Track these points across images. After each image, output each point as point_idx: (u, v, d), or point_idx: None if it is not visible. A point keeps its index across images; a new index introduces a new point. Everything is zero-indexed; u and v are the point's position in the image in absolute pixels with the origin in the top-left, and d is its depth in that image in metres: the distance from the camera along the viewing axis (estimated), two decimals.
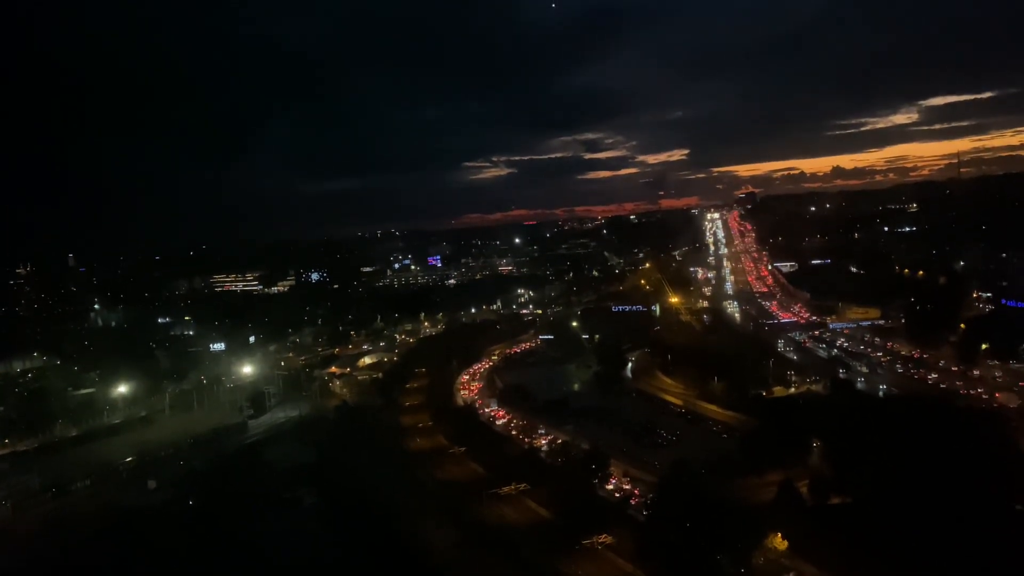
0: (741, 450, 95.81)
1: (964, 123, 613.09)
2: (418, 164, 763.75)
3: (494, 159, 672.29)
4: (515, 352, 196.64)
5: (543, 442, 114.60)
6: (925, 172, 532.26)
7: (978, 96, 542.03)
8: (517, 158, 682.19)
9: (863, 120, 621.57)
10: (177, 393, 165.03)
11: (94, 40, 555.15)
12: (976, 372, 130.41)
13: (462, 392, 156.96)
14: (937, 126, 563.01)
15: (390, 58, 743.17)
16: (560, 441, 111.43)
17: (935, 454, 73.63)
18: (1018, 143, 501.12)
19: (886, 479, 74.60)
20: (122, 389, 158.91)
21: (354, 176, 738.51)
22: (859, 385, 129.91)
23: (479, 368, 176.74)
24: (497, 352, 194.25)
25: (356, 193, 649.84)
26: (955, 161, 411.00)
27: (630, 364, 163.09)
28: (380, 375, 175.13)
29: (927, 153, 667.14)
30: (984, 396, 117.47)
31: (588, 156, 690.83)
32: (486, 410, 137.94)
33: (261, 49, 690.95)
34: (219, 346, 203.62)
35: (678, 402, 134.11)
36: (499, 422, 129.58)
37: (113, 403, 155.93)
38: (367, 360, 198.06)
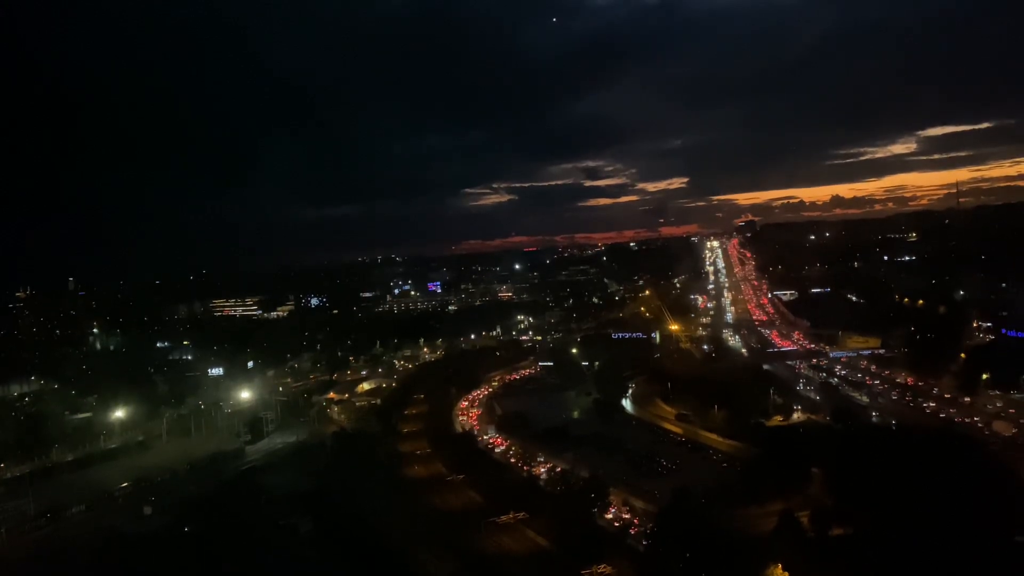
0: (742, 479, 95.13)
1: (962, 153, 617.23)
2: (419, 190, 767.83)
3: (495, 186, 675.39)
4: (515, 379, 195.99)
5: (542, 470, 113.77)
6: (924, 202, 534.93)
7: (976, 127, 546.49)
8: (517, 185, 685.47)
9: (862, 150, 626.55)
10: (175, 418, 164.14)
11: (97, 67, 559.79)
12: (977, 402, 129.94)
13: (461, 419, 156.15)
14: (936, 156, 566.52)
15: (391, 86, 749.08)
16: (559, 469, 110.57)
17: (937, 485, 73.11)
18: (1016, 173, 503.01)
19: (888, 510, 73.98)
20: (119, 413, 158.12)
21: (355, 202, 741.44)
22: (860, 414, 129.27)
23: (478, 395, 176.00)
24: (496, 378, 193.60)
25: (357, 219, 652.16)
26: (954, 191, 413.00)
27: (630, 392, 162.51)
28: (378, 401, 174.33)
29: (926, 183, 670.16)
30: (984, 426, 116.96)
31: (588, 183, 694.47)
32: (485, 437, 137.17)
33: (263, 77, 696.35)
34: (217, 371, 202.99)
35: (678, 430, 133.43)
36: (498, 449, 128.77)
37: (110, 428, 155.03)
38: (366, 386, 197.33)
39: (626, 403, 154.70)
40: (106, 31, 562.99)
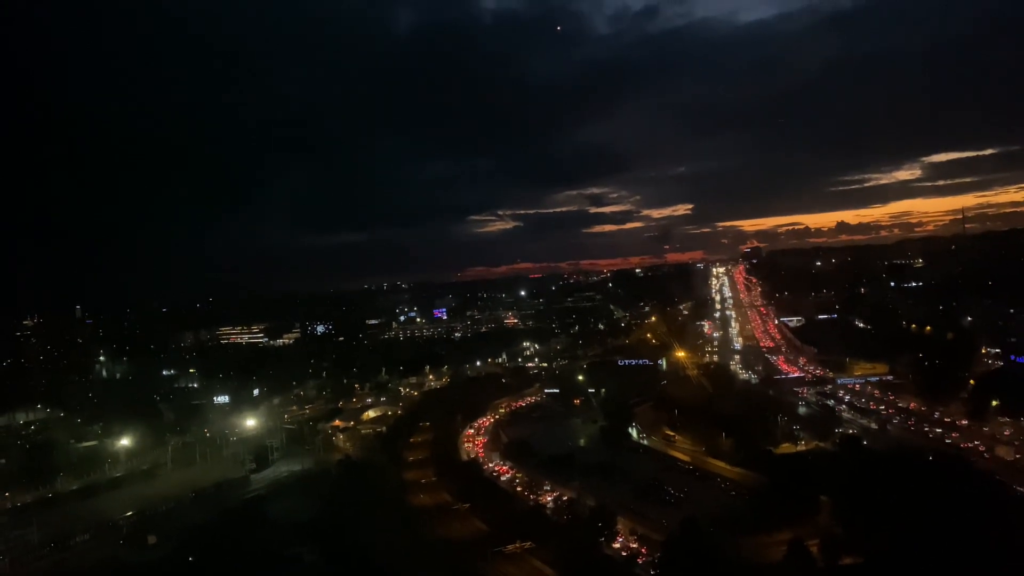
0: (750, 508, 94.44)
1: (967, 179, 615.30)
2: (424, 217, 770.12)
3: (499, 213, 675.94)
4: (520, 406, 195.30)
5: (548, 499, 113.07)
6: (930, 227, 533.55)
7: (980, 153, 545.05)
8: (523, 212, 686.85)
9: (866, 176, 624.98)
10: (180, 446, 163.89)
11: (104, 95, 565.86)
12: (987, 429, 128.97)
13: (466, 446, 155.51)
14: (940, 182, 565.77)
15: (396, 114, 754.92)
16: (566, 498, 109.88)
17: (947, 513, 72.44)
18: (1022, 199, 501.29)
19: (898, 539, 73.24)
20: (125, 442, 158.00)
21: (360, 229, 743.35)
22: (868, 442, 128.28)
23: (484, 422, 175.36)
24: (502, 406, 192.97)
25: (362, 246, 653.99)
26: (959, 217, 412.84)
27: (636, 419, 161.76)
28: (384, 429, 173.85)
29: (931, 209, 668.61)
30: (995, 454, 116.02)
31: (593, 210, 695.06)
32: (490, 465, 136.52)
33: (269, 104, 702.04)
34: (223, 399, 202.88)
35: (685, 458, 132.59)
36: (504, 478, 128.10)
37: (115, 456, 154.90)
38: (371, 413, 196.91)
39: (632, 430, 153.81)
40: (113, 59, 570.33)
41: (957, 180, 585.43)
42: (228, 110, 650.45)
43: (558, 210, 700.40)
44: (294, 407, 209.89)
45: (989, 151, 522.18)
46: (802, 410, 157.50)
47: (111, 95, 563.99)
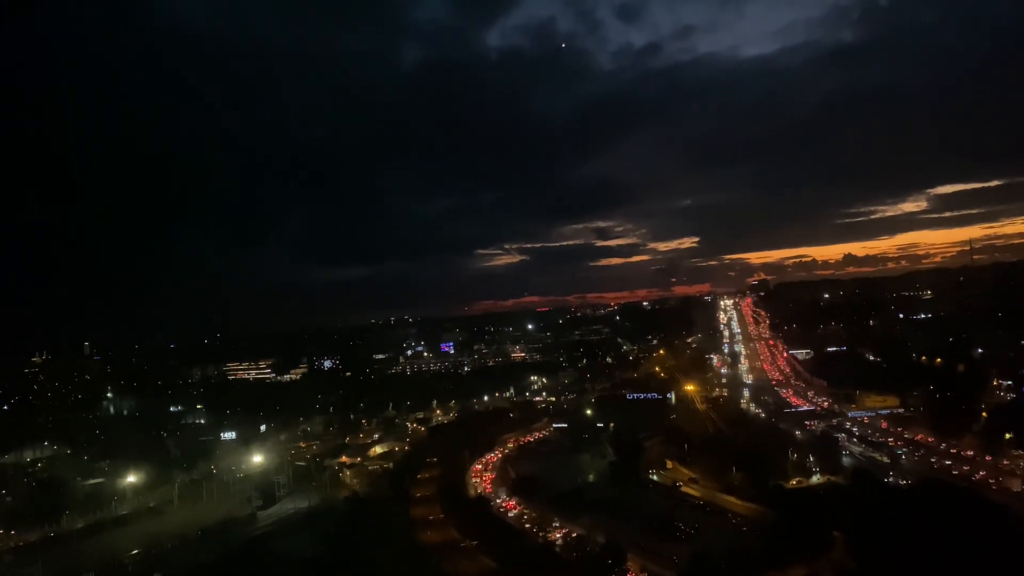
0: (762, 543, 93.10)
1: (974, 210, 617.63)
2: (431, 252, 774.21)
3: (507, 246, 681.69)
4: (529, 441, 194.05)
5: (558, 535, 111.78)
6: (937, 259, 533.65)
7: (986, 184, 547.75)
8: (529, 245, 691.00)
9: (873, 208, 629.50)
10: (186, 483, 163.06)
11: (114, 133, 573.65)
12: (1001, 462, 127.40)
13: (474, 482, 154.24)
14: (947, 214, 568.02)
15: (404, 150, 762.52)
16: (575, 534, 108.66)
17: (963, 548, 71.35)
18: None
19: (913, 574, 72.08)
20: (131, 479, 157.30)
21: (368, 264, 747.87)
22: (881, 475, 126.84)
23: (492, 458, 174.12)
24: (510, 441, 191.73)
25: (370, 281, 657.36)
26: (967, 248, 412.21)
27: (646, 453, 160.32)
28: (391, 465, 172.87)
29: (938, 240, 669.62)
30: (1009, 487, 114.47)
31: (599, 243, 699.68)
32: (498, 501, 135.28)
33: (277, 141, 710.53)
34: (230, 435, 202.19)
35: (696, 493, 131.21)
36: (512, 514, 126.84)
37: (122, 493, 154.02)
38: (378, 449, 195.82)
39: (642, 465, 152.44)
40: (123, 98, 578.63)
41: (963, 212, 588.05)
42: (237, 147, 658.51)
43: (564, 243, 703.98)
44: (301, 443, 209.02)
45: (995, 182, 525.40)
46: (813, 444, 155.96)
47: (123, 134, 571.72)
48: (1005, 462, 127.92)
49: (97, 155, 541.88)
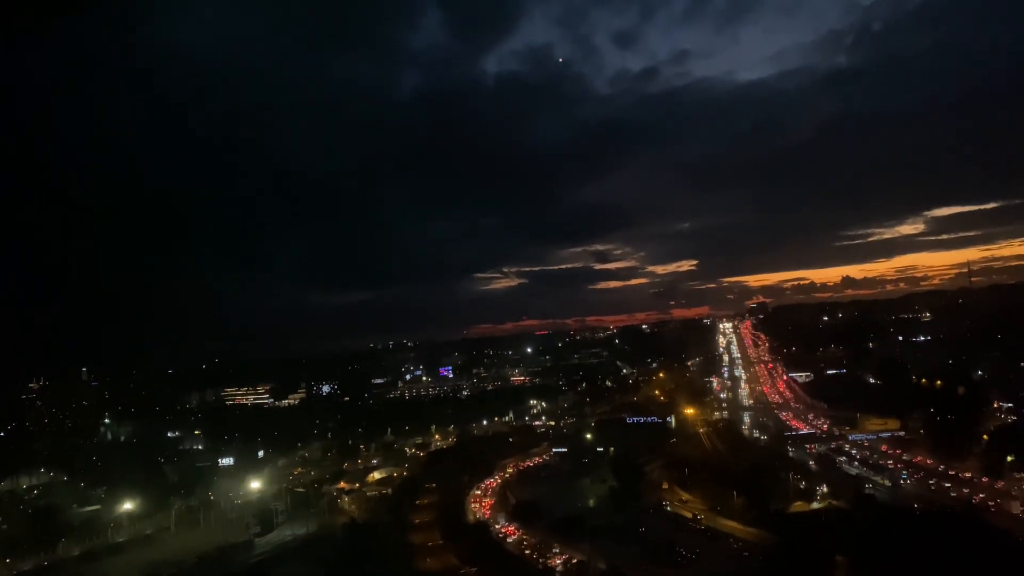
0: (764, 568, 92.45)
1: (971, 233, 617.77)
2: (429, 276, 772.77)
3: (505, 270, 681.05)
4: (528, 466, 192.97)
5: (558, 562, 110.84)
6: (936, 281, 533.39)
7: (983, 207, 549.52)
8: (528, 269, 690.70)
9: (870, 231, 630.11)
10: (183, 509, 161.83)
11: (110, 155, 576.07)
12: (1003, 485, 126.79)
13: (473, 507, 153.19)
14: (944, 236, 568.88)
15: (402, 174, 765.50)
16: (575, 560, 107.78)
17: (965, 572, 70.82)
18: None
19: None
20: (128, 506, 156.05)
21: (366, 288, 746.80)
22: (883, 499, 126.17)
23: (491, 483, 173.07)
24: (510, 465, 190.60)
25: (368, 305, 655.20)
26: (965, 270, 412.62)
27: (646, 478, 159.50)
28: (390, 491, 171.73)
29: (936, 263, 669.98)
30: (1011, 511, 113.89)
31: (598, 266, 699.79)
32: (497, 527, 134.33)
33: (276, 166, 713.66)
34: (228, 460, 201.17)
35: (697, 518, 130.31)
36: (511, 539, 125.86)
37: (118, 520, 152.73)
38: (376, 475, 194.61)
39: (643, 490, 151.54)
40: (119, 120, 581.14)
41: (961, 234, 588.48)
42: (235, 172, 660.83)
43: (563, 267, 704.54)
44: (299, 469, 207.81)
45: (991, 205, 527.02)
46: (814, 467, 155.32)
47: (120, 159, 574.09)
48: (999, 483, 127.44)
49: (96, 178, 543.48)
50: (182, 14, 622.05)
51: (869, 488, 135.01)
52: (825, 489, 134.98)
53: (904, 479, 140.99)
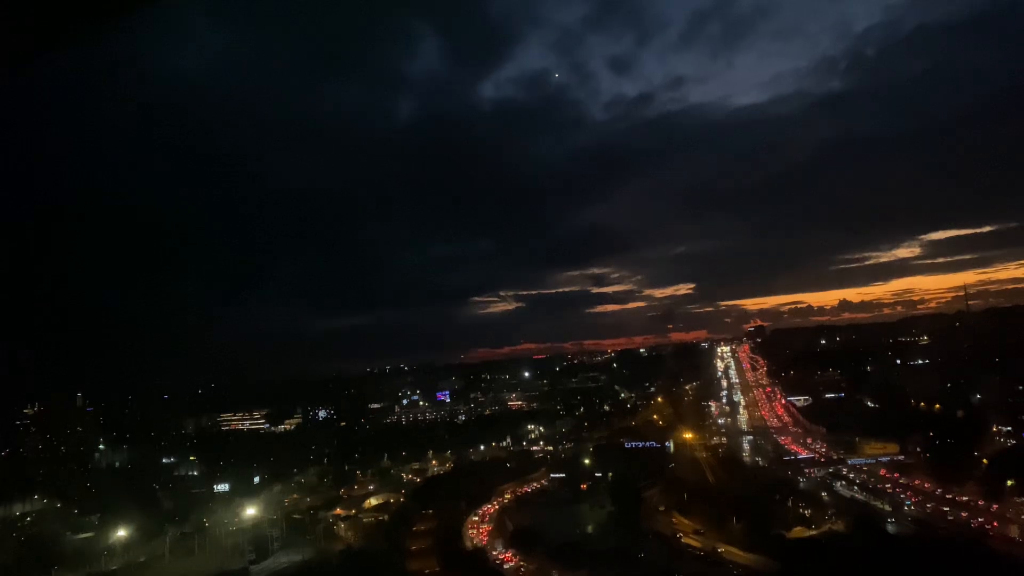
0: None
1: (967, 256, 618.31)
2: (426, 300, 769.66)
3: (502, 293, 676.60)
4: (526, 491, 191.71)
5: None
6: (933, 305, 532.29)
7: (978, 230, 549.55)
8: (525, 292, 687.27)
9: (866, 254, 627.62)
10: (178, 536, 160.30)
11: (104, 182, 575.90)
12: (999, 508, 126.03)
13: (471, 533, 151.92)
14: (940, 259, 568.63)
15: (398, 199, 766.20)
16: None
17: None
18: (1023, 275, 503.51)
19: None
20: (122, 533, 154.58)
21: (362, 312, 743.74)
22: (882, 524, 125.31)
23: (489, 509, 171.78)
24: (508, 491, 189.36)
25: (365, 329, 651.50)
26: (962, 293, 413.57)
27: (645, 503, 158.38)
28: (386, 517, 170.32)
29: (933, 286, 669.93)
30: (1010, 535, 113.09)
31: (595, 290, 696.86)
32: (495, 554, 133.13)
33: (271, 191, 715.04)
34: (223, 487, 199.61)
35: (696, 544, 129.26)
36: (508, 567, 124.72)
37: (112, 548, 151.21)
38: (373, 501, 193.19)
39: (642, 515, 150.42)
40: (117, 150, 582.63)
41: (957, 257, 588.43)
42: (230, 198, 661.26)
43: (560, 290, 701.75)
44: (295, 495, 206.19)
45: (987, 228, 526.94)
46: (813, 492, 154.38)
47: (113, 184, 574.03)
48: (994, 507, 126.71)
49: (89, 207, 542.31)
50: (180, 40, 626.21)
51: (869, 513, 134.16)
52: (825, 514, 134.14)
53: (905, 504, 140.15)
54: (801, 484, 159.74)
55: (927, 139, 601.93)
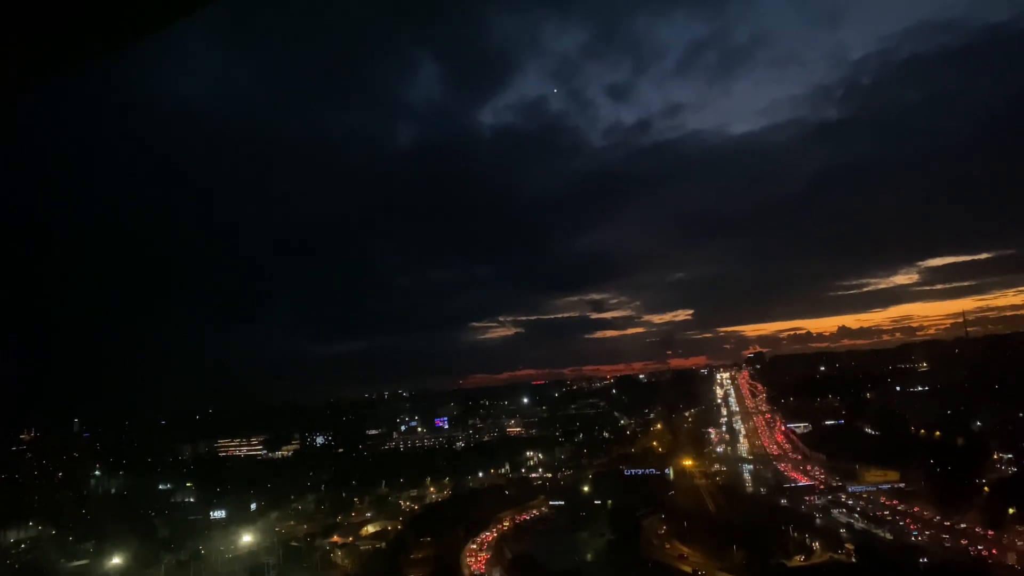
0: None
1: (965, 283, 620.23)
2: (425, 325, 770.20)
3: (501, 319, 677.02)
4: (525, 519, 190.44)
5: None
6: (931, 331, 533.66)
7: (976, 257, 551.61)
8: (524, 318, 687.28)
9: (865, 281, 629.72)
10: (173, 564, 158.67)
11: (102, 209, 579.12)
12: (995, 535, 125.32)
13: (468, 561, 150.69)
14: (939, 286, 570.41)
15: (398, 224, 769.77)
16: None
17: None
18: (1021, 302, 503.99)
19: None
20: (117, 560, 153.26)
21: (361, 338, 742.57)
22: (884, 552, 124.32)
23: (487, 537, 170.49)
24: (506, 519, 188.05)
25: (363, 355, 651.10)
26: (960, 320, 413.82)
27: (644, 531, 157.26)
28: (383, 544, 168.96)
29: (932, 312, 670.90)
30: (1012, 563, 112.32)
31: (594, 316, 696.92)
32: None
33: (270, 216, 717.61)
34: (219, 514, 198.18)
35: (696, 572, 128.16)
36: None
37: (107, 575, 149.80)
38: (370, 528, 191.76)
39: (641, 544, 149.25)
40: (114, 176, 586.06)
41: (955, 284, 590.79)
42: (229, 223, 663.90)
43: (559, 316, 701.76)
44: (292, 522, 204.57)
45: (984, 255, 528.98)
46: (814, 520, 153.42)
47: (112, 209, 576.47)
48: (990, 532, 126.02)
49: (87, 231, 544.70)
50: (178, 68, 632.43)
51: (870, 541, 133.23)
52: (825, 542, 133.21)
53: (907, 533, 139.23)
54: (801, 512, 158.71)
55: (923, 166, 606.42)
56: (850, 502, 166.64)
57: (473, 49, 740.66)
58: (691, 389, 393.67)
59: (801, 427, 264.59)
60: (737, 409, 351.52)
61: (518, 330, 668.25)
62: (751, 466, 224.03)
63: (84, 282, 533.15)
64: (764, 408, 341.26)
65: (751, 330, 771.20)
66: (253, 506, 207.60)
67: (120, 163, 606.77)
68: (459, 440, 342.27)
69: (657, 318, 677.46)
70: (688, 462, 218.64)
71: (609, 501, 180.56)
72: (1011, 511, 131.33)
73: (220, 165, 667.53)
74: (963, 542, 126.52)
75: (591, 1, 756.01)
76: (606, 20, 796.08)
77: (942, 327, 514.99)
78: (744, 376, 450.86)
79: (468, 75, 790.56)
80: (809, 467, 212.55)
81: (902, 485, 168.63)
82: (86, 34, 6.85)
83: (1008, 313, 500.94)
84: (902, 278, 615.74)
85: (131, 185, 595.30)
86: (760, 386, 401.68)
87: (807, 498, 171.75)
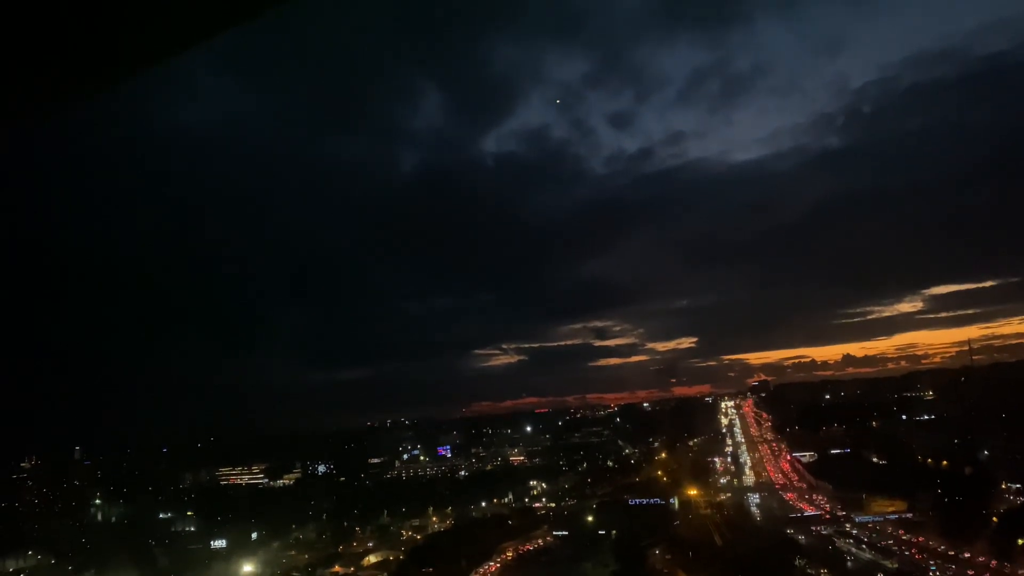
0: None
1: (970, 311, 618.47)
2: (428, 353, 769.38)
3: (504, 347, 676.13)
4: (528, 549, 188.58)
5: None
6: (937, 359, 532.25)
7: (980, 285, 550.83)
8: (527, 345, 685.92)
9: (869, 309, 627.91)
10: None
11: (105, 233, 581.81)
12: (1013, 569, 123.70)
13: None
14: (944, 314, 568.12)
15: (400, 252, 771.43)
16: None
17: None
18: None
19: None
20: None
21: (363, 365, 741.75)
22: None
23: (490, 568, 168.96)
24: (509, 550, 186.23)
25: (365, 382, 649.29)
26: (966, 348, 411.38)
27: (649, 562, 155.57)
28: (385, 575, 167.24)
29: (937, 341, 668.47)
30: None
31: (598, 343, 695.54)
32: None
33: (272, 243, 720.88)
34: (220, 543, 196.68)
35: None
36: None
37: None
38: (372, 559, 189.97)
39: (645, 574, 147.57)
40: (117, 202, 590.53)
41: (960, 312, 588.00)
42: (232, 250, 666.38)
43: (562, 343, 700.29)
44: (293, 551, 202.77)
45: (989, 283, 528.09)
46: (820, 551, 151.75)
47: (115, 237, 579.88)
48: (993, 563, 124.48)
49: (90, 259, 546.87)
50: (182, 95, 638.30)
51: (877, 573, 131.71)
52: (832, 573, 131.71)
53: (915, 563, 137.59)
54: (808, 543, 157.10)
55: (926, 194, 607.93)
56: (856, 532, 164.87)
57: (476, 78, 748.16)
58: (696, 418, 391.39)
59: (807, 456, 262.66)
60: (742, 439, 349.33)
61: (521, 358, 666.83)
62: (757, 496, 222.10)
63: (87, 310, 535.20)
64: (769, 437, 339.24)
65: (755, 358, 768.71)
66: (254, 535, 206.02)
67: (124, 191, 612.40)
68: (462, 469, 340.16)
69: (661, 346, 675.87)
70: (693, 492, 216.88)
71: (613, 531, 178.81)
72: (1020, 542, 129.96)
73: (224, 192, 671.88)
74: (971, 573, 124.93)
75: (594, 31, 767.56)
76: (608, 49, 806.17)
77: (947, 355, 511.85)
78: (748, 404, 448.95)
79: (471, 103, 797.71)
80: (815, 497, 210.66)
81: (909, 515, 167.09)
82: (91, 65, 6.87)
83: (1013, 341, 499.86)
84: (906, 306, 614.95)
85: (134, 214, 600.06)
86: (765, 415, 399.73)
87: (813, 528, 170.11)
